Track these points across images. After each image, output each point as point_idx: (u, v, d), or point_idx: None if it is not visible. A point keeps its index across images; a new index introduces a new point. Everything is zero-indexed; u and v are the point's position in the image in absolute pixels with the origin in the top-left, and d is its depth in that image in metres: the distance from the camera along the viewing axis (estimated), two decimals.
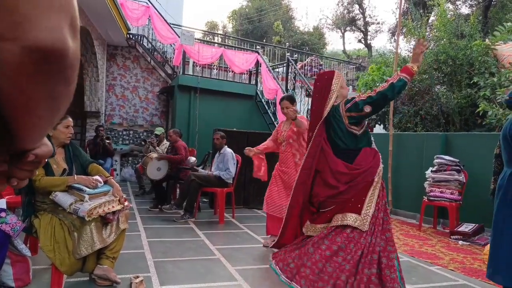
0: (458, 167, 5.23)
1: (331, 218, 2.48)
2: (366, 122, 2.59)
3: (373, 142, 2.64)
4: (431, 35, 9.29)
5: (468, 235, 4.77)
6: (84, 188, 2.67)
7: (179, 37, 8.62)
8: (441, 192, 5.22)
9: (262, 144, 4.36)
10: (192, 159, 5.97)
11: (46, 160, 2.62)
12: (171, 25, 9.18)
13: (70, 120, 2.84)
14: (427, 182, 5.42)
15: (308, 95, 8.92)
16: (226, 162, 5.35)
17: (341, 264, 2.35)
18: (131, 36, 9.55)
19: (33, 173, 0.55)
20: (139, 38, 9.92)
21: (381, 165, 2.55)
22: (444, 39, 7.46)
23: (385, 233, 2.49)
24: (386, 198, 2.61)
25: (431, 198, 5.28)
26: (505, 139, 2.46)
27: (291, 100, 4.12)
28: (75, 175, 2.75)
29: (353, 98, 2.50)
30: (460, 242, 4.71)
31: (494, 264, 2.45)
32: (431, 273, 3.50)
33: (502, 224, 2.42)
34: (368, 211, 2.40)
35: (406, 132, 7.23)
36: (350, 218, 2.39)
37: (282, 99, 4.17)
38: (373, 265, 2.35)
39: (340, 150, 2.50)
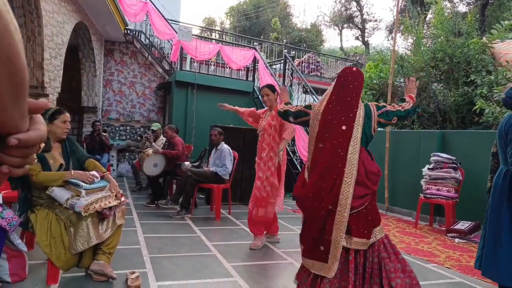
0: (454, 165, 5.25)
1: (368, 232, 2.34)
2: None
3: None
4: (428, 32, 9.29)
5: (464, 233, 4.79)
6: (81, 183, 2.66)
7: (176, 33, 8.59)
8: (437, 189, 5.24)
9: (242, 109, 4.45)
10: (187, 163, 5.89)
11: (42, 152, 2.61)
12: (169, 21, 9.14)
13: (67, 115, 2.83)
14: (424, 179, 5.44)
15: (305, 92, 8.92)
16: (223, 158, 5.35)
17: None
18: (128, 31, 9.50)
19: (27, 160, 0.52)
20: (136, 34, 9.87)
21: None
22: (442, 37, 7.47)
23: None
24: None
25: (428, 195, 5.30)
26: (500, 137, 2.47)
27: (272, 89, 4.14)
28: (72, 170, 2.73)
29: (384, 106, 2.59)
30: (457, 240, 4.73)
31: (491, 262, 2.46)
32: (427, 271, 3.52)
33: (499, 222, 2.43)
34: None
35: (403, 130, 7.25)
36: (380, 230, 2.43)
37: (262, 87, 4.23)
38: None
39: (365, 150, 2.52)
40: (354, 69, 2.57)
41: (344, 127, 2.42)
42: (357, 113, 2.44)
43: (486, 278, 2.60)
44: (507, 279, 2.36)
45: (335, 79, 2.62)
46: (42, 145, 0.55)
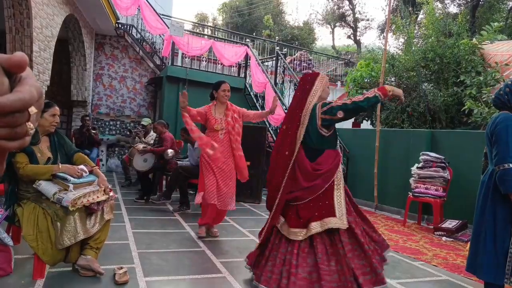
0: (443, 164, 5.30)
1: (305, 223, 2.55)
2: (335, 127, 2.74)
3: (338, 144, 2.79)
4: (419, 32, 9.36)
5: (451, 231, 4.85)
6: (69, 177, 2.63)
7: (168, 28, 8.51)
8: (426, 188, 5.29)
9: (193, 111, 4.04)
10: (170, 151, 5.88)
11: (29, 145, 2.56)
12: (161, 16, 9.06)
13: (57, 108, 2.79)
14: (413, 178, 5.49)
15: None
16: None
17: (332, 266, 2.45)
18: (119, 25, 9.40)
19: (17, 130, 0.44)
20: (128, 28, 9.76)
21: (341, 166, 2.69)
22: (432, 37, 7.52)
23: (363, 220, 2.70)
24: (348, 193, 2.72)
25: (416, 194, 5.35)
26: (487, 138, 2.55)
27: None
28: (60, 164, 2.70)
29: (330, 102, 2.70)
30: (444, 238, 4.79)
31: (473, 259, 2.53)
32: (414, 268, 3.56)
33: (482, 220, 2.50)
34: (341, 210, 2.53)
35: (393, 129, 7.30)
36: (331, 222, 2.49)
37: (224, 82, 4.11)
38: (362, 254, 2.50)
39: (307, 147, 2.67)
40: (310, 72, 2.78)
41: (290, 129, 2.75)
42: (303, 113, 2.69)
43: (470, 273, 2.65)
44: (487, 275, 2.43)
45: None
46: (34, 111, 0.46)
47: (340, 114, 2.61)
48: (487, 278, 2.45)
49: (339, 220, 2.50)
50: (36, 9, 5.15)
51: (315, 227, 2.50)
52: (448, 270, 3.54)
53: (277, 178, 2.72)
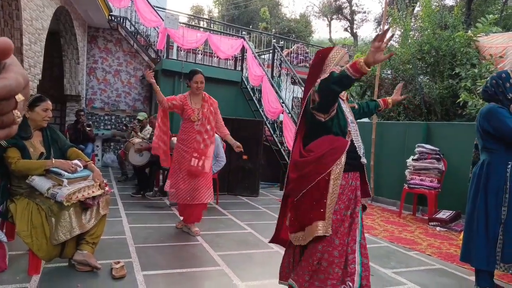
0: (438, 156, 5.34)
1: (299, 226, 2.10)
2: (337, 110, 2.08)
3: (348, 132, 2.12)
4: (415, 25, 9.34)
5: (445, 221, 4.90)
6: (63, 172, 2.60)
7: (163, 20, 8.44)
8: (421, 180, 5.33)
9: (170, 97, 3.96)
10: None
11: (21, 139, 2.54)
12: (155, 8, 8.97)
13: (49, 103, 2.76)
14: (408, 170, 5.52)
15: (293, 83, 8.91)
16: (217, 148, 5.33)
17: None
18: (113, 18, 9.29)
19: (3, 118, 0.43)
20: (121, 20, 9.64)
21: (343, 158, 2.03)
22: (428, 30, 7.50)
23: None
24: (354, 195, 2.18)
25: (411, 185, 5.39)
26: (477, 129, 2.58)
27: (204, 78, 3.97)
28: (53, 159, 2.67)
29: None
30: (438, 228, 4.84)
31: (466, 248, 2.58)
32: (409, 258, 3.59)
33: (474, 209, 2.54)
34: (330, 212, 2.02)
35: (389, 121, 7.31)
36: (318, 227, 2.00)
37: (198, 72, 3.95)
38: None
39: (306, 134, 2.20)
40: (323, 48, 2.34)
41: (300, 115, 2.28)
42: (307, 96, 2.16)
43: (464, 262, 2.69)
44: (480, 262, 2.48)
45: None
46: (21, 98, 0.45)
47: (316, 97, 2.02)
48: (480, 265, 2.50)
49: (326, 225, 2.00)
50: (25, 1, 5.05)
51: (308, 231, 2.04)
52: (442, 259, 3.58)
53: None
